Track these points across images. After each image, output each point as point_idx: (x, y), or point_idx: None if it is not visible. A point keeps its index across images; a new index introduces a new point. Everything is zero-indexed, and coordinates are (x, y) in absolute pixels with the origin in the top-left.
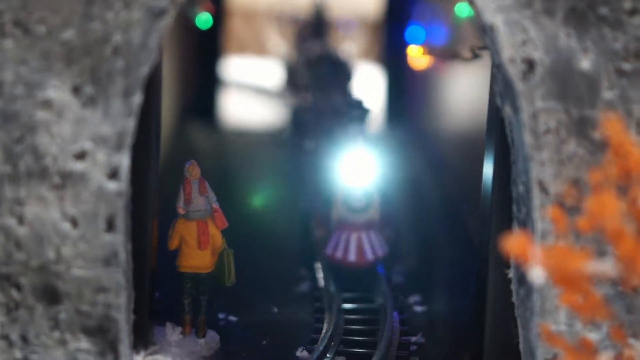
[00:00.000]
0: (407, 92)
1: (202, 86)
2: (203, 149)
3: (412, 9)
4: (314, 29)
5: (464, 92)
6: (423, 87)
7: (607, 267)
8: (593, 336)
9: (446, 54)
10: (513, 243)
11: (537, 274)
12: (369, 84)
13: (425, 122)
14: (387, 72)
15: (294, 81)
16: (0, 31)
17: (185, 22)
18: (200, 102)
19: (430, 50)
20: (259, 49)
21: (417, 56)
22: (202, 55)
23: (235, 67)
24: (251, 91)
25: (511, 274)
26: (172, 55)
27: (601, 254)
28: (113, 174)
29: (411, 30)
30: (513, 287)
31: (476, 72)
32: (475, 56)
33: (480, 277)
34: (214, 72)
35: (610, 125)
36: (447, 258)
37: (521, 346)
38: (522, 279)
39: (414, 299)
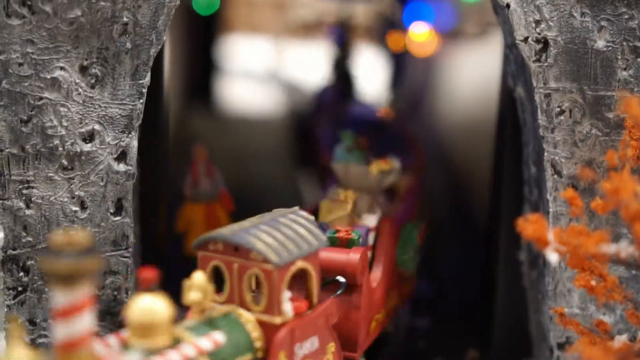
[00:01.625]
0: (410, 75)
1: (202, 70)
2: (205, 132)
3: None
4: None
5: (471, 74)
6: (427, 69)
7: (622, 249)
8: (607, 319)
9: (452, 37)
10: (526, 226)
11: (552, 257)
12: (372, 69)
13: (432, 104)
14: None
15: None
16: (7, 10)
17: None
18: (201, 85)
19: (437, 32)
20: (260, 33)
21: (422, 40)
22: (202, 38)
23: (235, 52)
24: (250, 76)
25: (522, 256)
26: (173, 38)
27: (616, 236)
28: (121, 156)
29: (411, 8)
30: (524, 270)
31: (485, 53)
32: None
33: (490, 261)
34: (213, 56)
35: (626, 105)
36: (456, 241)
37: (533, 330)
38: (534, 262)
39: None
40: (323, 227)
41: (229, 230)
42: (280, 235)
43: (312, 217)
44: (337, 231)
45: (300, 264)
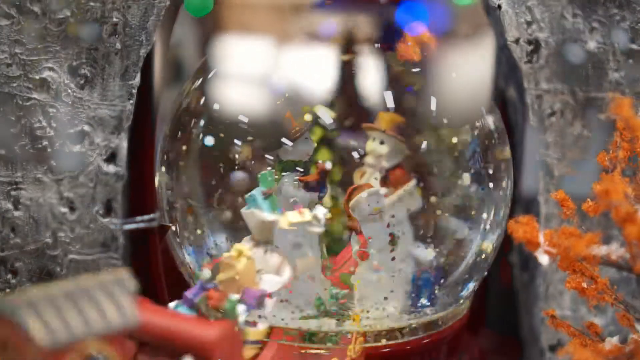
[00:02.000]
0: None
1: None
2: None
3: None
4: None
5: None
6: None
7: (613, 251)
8: (598, 321)
9: (444, 39)
10: (517, 227)
11: (542, 259)
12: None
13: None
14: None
15: None
16: None
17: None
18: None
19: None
20: (254, 34)
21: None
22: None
23: (227, 52)
24: (244, 77)
25: (513, 259)
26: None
27: (607, 237)
28: (111, 157)
29: (405, 10)
30: (516, 272)
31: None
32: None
33: None
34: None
35: (617, 107)
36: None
37: (524, 332)
38: (525, 264)
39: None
40: (205, 289)
41: (14, 298)
42: (74, 308)
43: (133, 287)
44: (209, 298)
45: (92, 346)
